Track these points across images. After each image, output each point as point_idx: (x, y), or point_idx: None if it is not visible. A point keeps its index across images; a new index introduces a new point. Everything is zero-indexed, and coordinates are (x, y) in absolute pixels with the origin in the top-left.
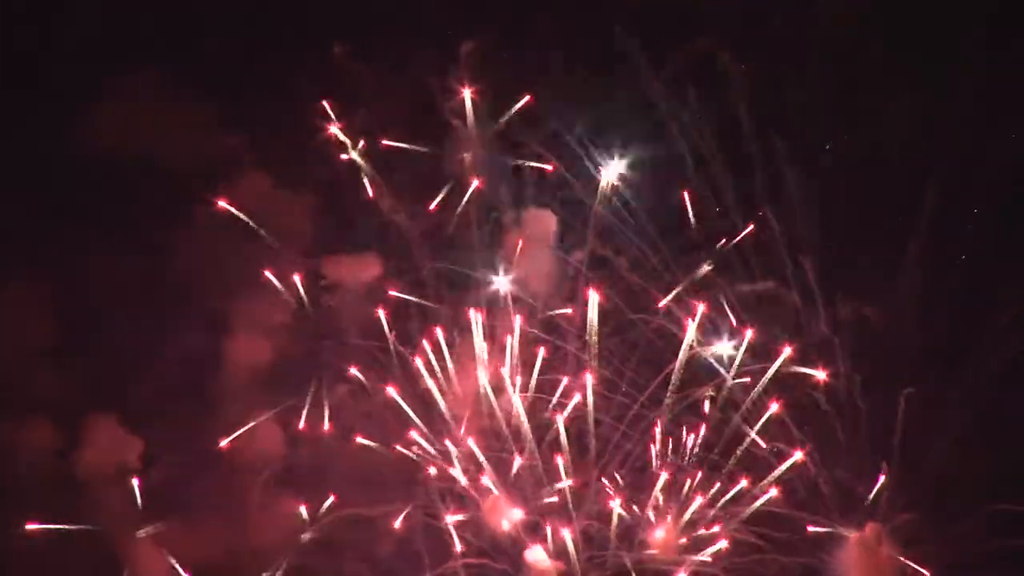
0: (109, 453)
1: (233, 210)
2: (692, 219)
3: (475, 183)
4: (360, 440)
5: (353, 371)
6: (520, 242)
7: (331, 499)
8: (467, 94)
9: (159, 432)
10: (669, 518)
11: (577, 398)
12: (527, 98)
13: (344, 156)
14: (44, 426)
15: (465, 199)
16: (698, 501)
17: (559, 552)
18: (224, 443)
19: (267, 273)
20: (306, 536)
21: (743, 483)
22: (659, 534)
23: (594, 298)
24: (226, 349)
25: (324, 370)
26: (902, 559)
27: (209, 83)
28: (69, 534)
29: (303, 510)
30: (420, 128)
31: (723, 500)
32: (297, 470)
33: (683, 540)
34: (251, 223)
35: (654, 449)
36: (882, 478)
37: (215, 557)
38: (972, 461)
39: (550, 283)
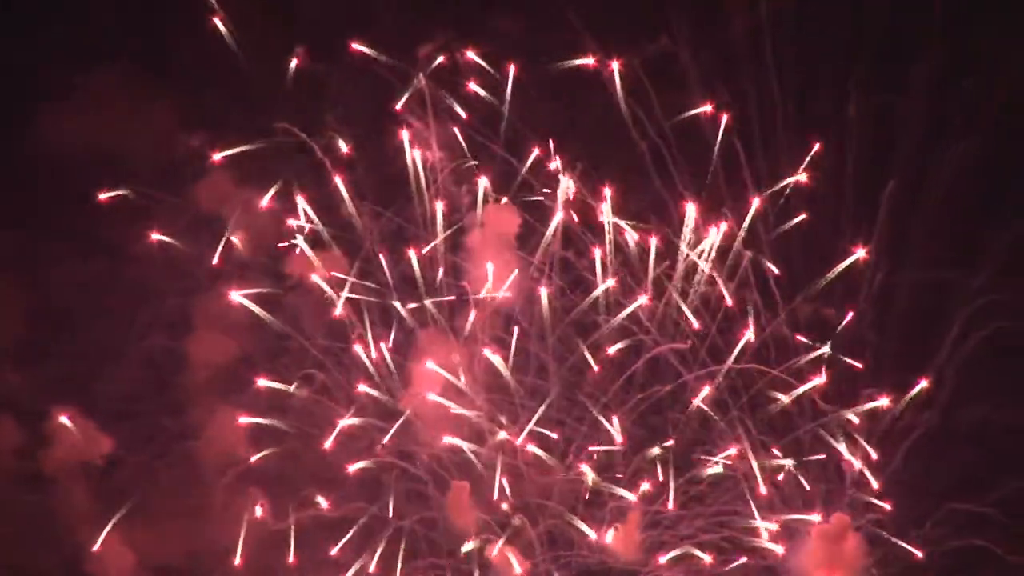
0: (74, 451)
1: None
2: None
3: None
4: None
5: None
6: (480, 240)
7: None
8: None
9: (123, 431)
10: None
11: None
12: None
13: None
14: (7, 424)
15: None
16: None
17: (524, 552)
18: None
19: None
20: (268, 535)
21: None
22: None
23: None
24: (189, 348)
25: (287, 369)
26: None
27: (171, 83)
28: (33, 532)
29: (259, 509)
30: (381, 128)
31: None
32: (261, 470)
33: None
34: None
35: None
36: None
37: (178, 555)
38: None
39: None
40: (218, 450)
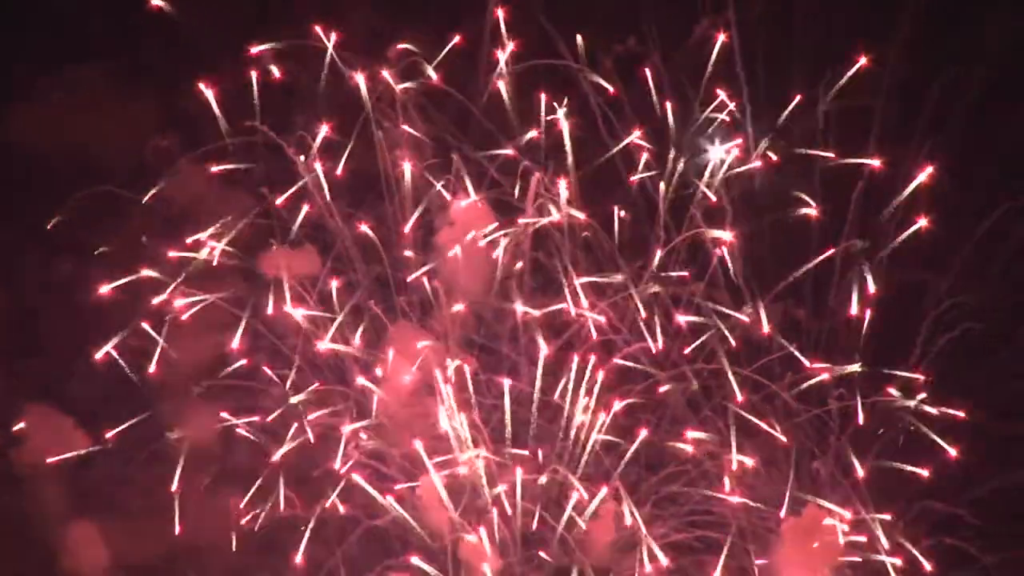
0: (46, 450)
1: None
2: None
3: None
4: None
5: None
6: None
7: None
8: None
9: (97, 429)
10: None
11: None
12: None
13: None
14: None
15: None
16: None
17: (500, 551)
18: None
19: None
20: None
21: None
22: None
23: None
24: (162, 347)
25: (260, 368)
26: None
27: (143, 82)
28: (6, 532)
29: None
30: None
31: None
32: (236, 471)
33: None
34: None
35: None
36: None
37: (153, 555)
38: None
39: (482, 281)
40: (192, 449)
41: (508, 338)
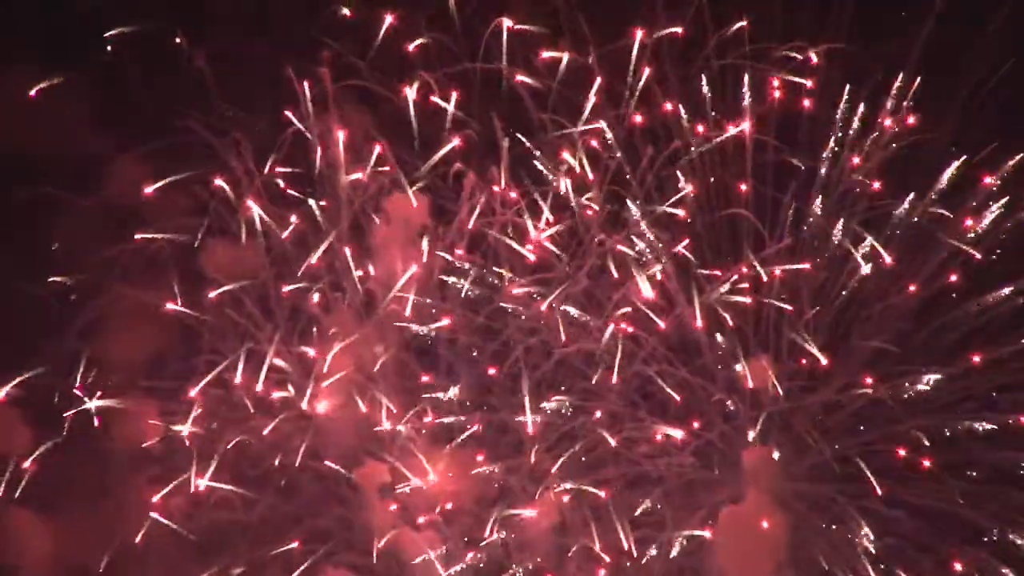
0: None
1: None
2: None
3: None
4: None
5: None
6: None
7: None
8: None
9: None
10: None
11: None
12: None
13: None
14: None
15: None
16: None
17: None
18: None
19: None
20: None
21: None
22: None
23: None
24: (103, 346)
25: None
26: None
27: (84, 80)
28: None
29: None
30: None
31: None
32: (176, 469)
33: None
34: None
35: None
36: None
37: (94, 554)
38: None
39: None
40: (131, 450)
41: (446, 339)
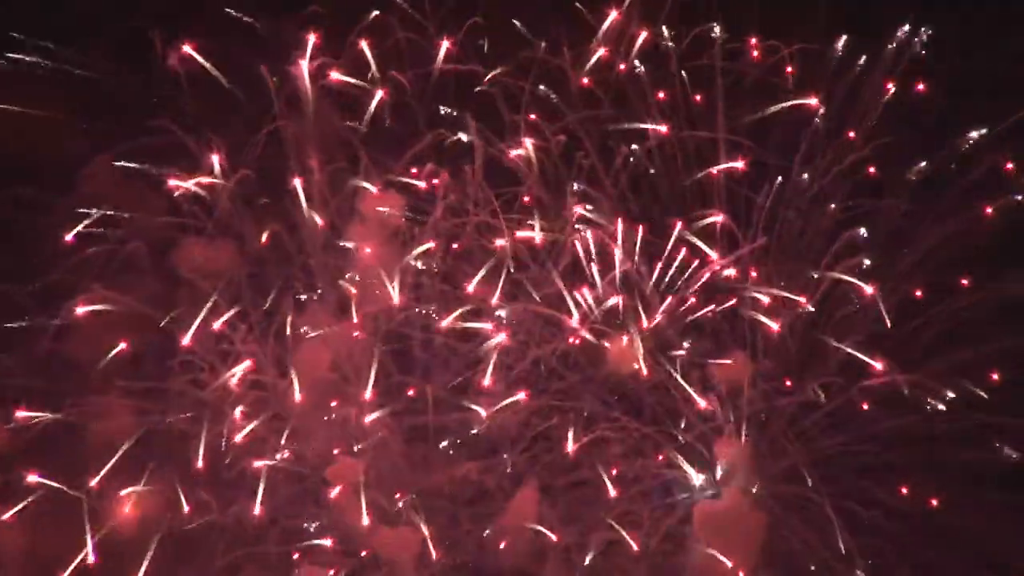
0: None
1: None
2: None
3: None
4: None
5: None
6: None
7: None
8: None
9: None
10: None
11: None
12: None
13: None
14: None
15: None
16: None
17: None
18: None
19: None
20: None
21: None
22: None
23: None
24: (76, 345)
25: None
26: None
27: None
28: None
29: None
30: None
31: None
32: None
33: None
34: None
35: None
36: None
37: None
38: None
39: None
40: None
41: (421, 340)
